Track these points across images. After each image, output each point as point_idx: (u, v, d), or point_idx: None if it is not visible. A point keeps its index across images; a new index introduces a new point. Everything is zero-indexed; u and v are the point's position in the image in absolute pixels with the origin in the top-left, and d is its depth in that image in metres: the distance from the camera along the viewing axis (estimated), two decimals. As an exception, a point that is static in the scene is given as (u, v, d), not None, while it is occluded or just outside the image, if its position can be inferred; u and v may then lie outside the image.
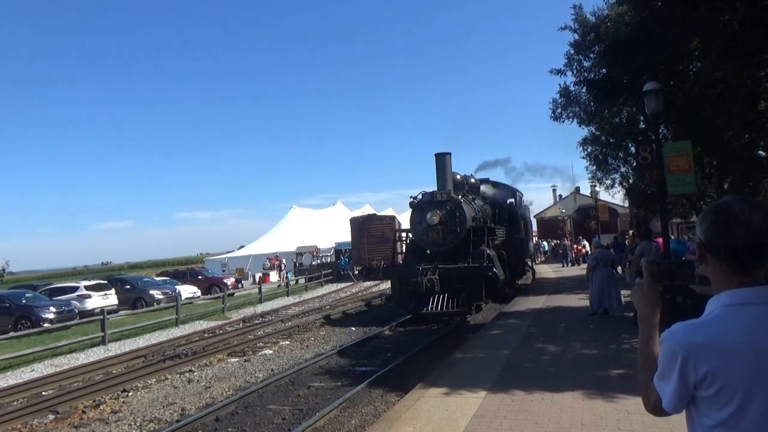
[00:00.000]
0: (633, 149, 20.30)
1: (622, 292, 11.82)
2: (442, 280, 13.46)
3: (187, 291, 26.08)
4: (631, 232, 15.70)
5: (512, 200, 20.42)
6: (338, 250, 39.40)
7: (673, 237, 14.27)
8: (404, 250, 16.50)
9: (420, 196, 14.87)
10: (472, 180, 18.07)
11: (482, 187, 18.83)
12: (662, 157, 9.96)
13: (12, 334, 15.69)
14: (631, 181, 23.18)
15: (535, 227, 46.41)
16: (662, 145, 10.33)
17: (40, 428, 7.78)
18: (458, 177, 16.28)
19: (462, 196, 15.27)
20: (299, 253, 42.69)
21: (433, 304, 13.59)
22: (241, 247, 54.70)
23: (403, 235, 16.95)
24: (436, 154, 15.41)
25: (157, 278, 30.28)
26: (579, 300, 14.46)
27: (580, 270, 26.42)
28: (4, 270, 15.55)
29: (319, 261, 40.48)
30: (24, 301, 19.96)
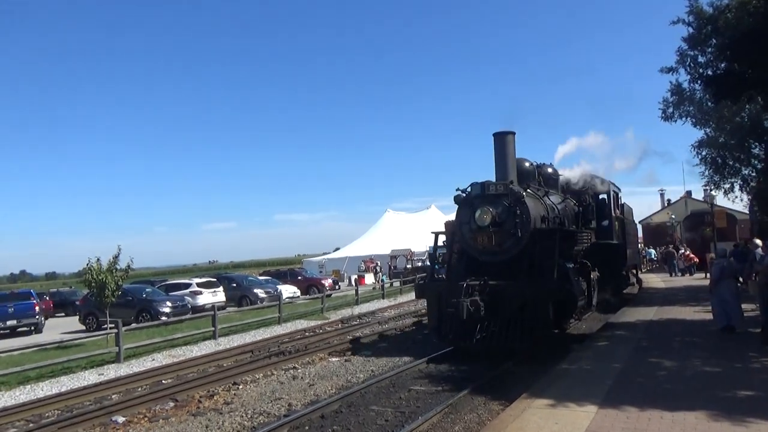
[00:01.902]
0: (758, 150, 18.67)
1: (744, 306, 10.85)
2: (492, 302, 10.12)
3: (287, 290, 27.19)
4: (757, 241, 14.10)
5: (604, 197, 15.95)
6: (432, 254, 39.37)
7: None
8: (449, 260, 12.61)
9: (470, 189, 11.38)
10: (549, 170, 14.28)
11: (563, 179, 14.88)
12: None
13: (134, 325, 17.11)
14: (753, 184, 21.27)
15: (641, 233, 43.82)
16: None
17: (162, 414, 8.40)
18: (527, 165, 12.96)
19: (528, 189, 11.89)
20: (393, 256, 43.14)
21: (478, 334, 10.17)
22: (337, 249, 56.21)
23: (441, 239, 13.02)
24: (495, 134, 11.80)
25: (260, 277, 31.84)
26: (694, 313, 13.44)
27: (692, 280, 24.62)
28: (129, 267, 16.97)
29: (413, 264, 40.69)
30: (144, 296, 21.74)
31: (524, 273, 10.62)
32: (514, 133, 11.89)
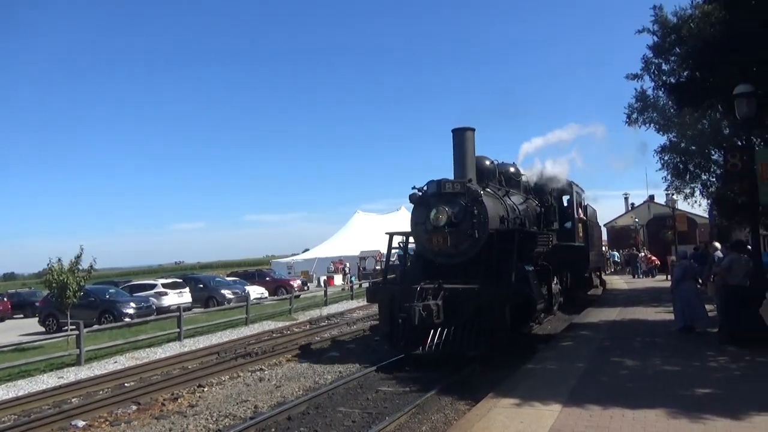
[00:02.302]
0: (717, 157, 19.25)
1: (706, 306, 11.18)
2: (447, 307, 9.62)
3: (255, 291, 26.91)
4: (716, 244, 14.51)
5: (568, 198, 15.76)
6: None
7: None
8: (403, 262, 12.42)
9: (426, 188, 10.88)
10: (512, 169, 13.86)
11: (526, 179, 14.46)
12: (754, 164, 9.37)
13: (96, 327, 16.67)
14: (712, 189, 21.95)
15: (605, 236, 44.78)
16: (754, 152, 9.72)
17: (124, 418, 8.19)
18: (487, 163, 12.44)
19: (486, 188, 11.38)
20: (363, 258, 43.10)
21: (432, 341, 9.63)
22: (306, 250, 55.86)
23: (396, 240, 12.32)
24: (453, 130, 11.30)
25: (228, 278, 31.41)
26: (656, 313, 13.80)
27: (654, 282, 25.29)
28: (92, 267, 16.55)
29: (382, 266, 40.72)
30: (107, 296, 21.21)
31: (481, 276, 10.08)
32: (473, 130, 11.37)
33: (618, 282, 27.16)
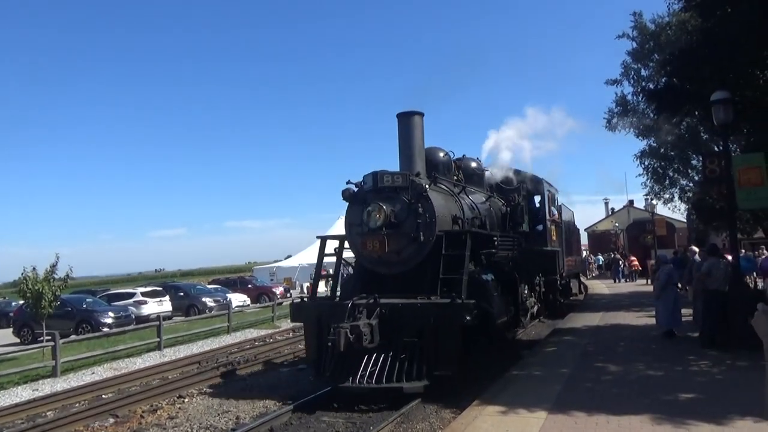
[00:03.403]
0: (696, 162, 19.56)
1: (683, 311, 11.29)
2: (384, 328, 7.82)
3: (237, 299, 26.62)
4: (694, 248, 14.66)
5: (539, 197, 14.27)
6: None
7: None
8: (336, 272, 10.50)
9: (363, 182, 9.19)
10: (473, 164, 12.26)
11: (491, 175, 12.83)
12: (731, 170, 9.50)
13: (73, 337, 16.31)
14: (690, 194, 22.28)
15: (586, 240, 45.17)
16: (731, 158, 9.86)
17: (101, 431, 7.98)
18: (441, 155, 10.73)
19: (434, 183, 9.72)
20: (347, 264, 42.88)
21: (365, 369, 7.69)
22: (289, 256, 55.40)
23: (333, 245, 10.28)
24: (398, 115, 9.75)
25: (209, 286, 31.05)
26: (637, 318, 13.92)
27: (635, 287, 25.55)
28: (68, 276, 16.20)
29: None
30: (84, 306, 20.80)
31: (428, 288, 8.38)
32: (421, 114, 9.76)
33: (600, 286, 27.38)
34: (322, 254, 10.18)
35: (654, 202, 24.75)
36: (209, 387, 10.19)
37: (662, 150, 21.35)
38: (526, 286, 11.89)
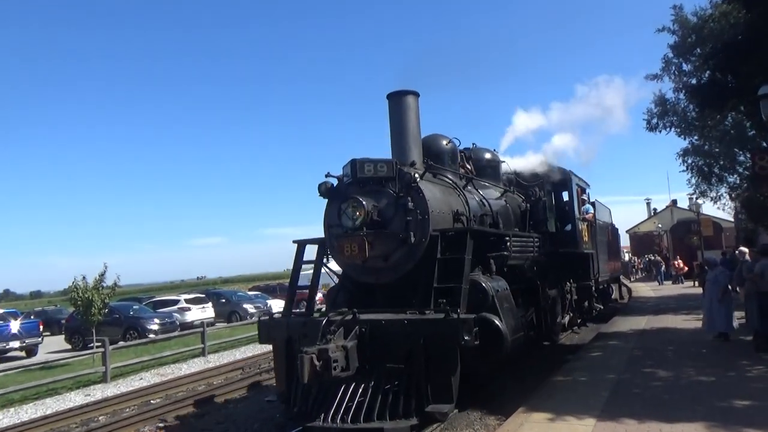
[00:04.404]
0: (744, 158, 18.91)
1: (735, 313, 10.87)
2: (365, 351, 6.34)
3: (277, 305, 26.93)
4: (744, 248, 14.05)
5: (566, 192, 12.43)
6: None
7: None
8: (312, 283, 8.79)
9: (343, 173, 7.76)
10: (487, 155, 10.58)
11: (508, 169, 11.19)
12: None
13: (122, 343, 16.82)
14: (739, 191, 21.52)
15: (627, 242, 44.08)
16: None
17: (151, 436, 8.21)
18: (445, 143, 9.04)
19: (444, 176, 8.48)
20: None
21: (341, 404, 6.19)
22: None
23: (311, 251, 8.55)
24: (389, 96, 8.21)
25: (249, 293, 31.59)
26: (685, 321, 13.48)
27: (681, 289, 24.78)
28: (116, 284, 16.73)
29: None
30: (131, 313, 21.45)
31: (420, 299, 6.81)
32: (416, 94, 8.24)
33: (644, 289, 26.68)
34: (298, 262, 8.51)
35: (700, 201, 24.01)
36: (254, 393, 10.34)
37: (706, 147, 20.69)
38: (553, 295, 10.46)
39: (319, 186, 7.66)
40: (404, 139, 8.05)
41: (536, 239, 9.47)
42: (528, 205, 10.57)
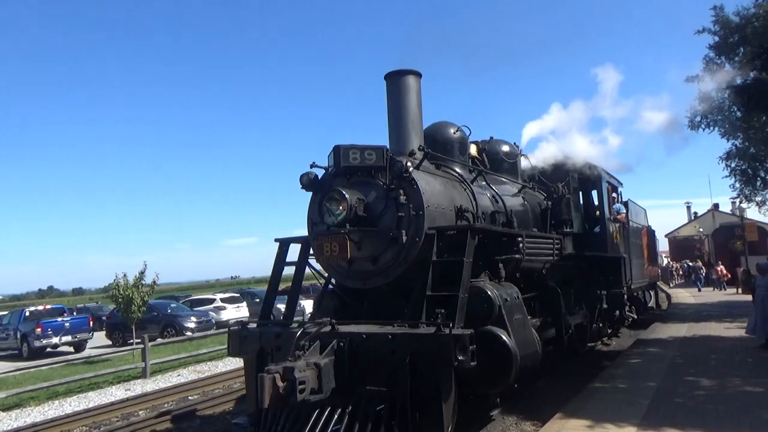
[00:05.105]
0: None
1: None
2: (343, 369, 5.35)
3: (309, 305, 27.19)
4: None
5: (596, 191, 11.49)
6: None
7: None
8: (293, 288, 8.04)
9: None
10: (505, 147, 9.46)
11: (528, 164, 10.35)
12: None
13: (160, 340, 17.24)
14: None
15: (666, 247, 42.93)
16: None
17: None
18: (452, 132, 7.99)
19: (452, 168, 7.58)
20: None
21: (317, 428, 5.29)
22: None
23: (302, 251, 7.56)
24: (387, 77, 7.18)
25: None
26: (728, 329, 13.06)
27: (723, 296, 24.00)
28: (155, 282, 17.17)
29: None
30: (169, 311, 21.98)
31: (411, 309, 5.76)
32: (418, 75, 7.24)
33: (683, 295, 25.96)
34: (279, 262, 7.56)
35: (744, 205, 23.22)
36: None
37: (752, 150, 20.01)
38: (578, 303, 9.53)
39: (301, 177, 6.70)
40: (403, 125, 7.06)
41: (557, 241, 8.42)
42: (549, 203, 9.55)
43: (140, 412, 9.83)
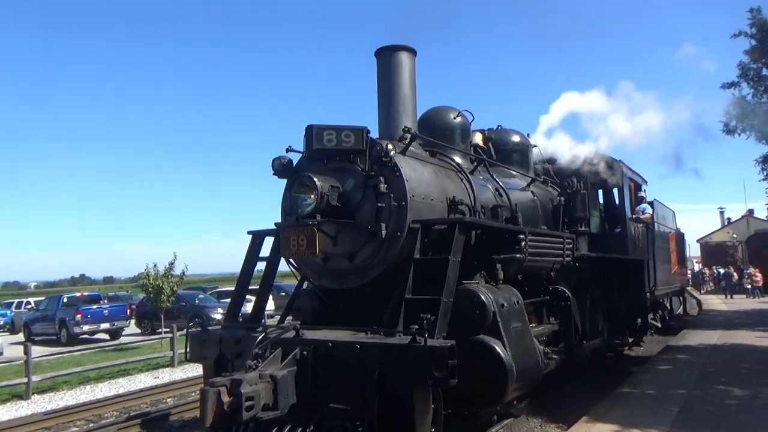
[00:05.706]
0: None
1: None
2: (304, 383, 4.61)
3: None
4: None
5: (617, 190, 10.60)
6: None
7: None
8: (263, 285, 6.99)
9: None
10: (515, 137, 8.69)
11: (540, 156, 9.36)
12: None
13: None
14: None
15: (697, 252, 42.01)
16: None
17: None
18: (453, 117, 7.20)
19: (450, 157, 6.85)
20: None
21: None
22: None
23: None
24: (377, 53, 6.44)
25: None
26: (759, 339, 12.74)
27: (757, 303, 23.38)
28: (183, 273, 17.48)
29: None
30: (197, 302, 22.34)
31: (390, 314, 5.02)
32: (413, 52, 6.49)
33: (714, 302, 25.38)
34: (251, 256, 6.69)
35: (780, 211, 22.57)
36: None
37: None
38: (594, 310, 8.73)
39: (273, 162, 5.91)
40: (393, 107, 6.31)
41: (568, 240, 7.40)
42: (562, 198, 8.66)
43: (168, 400, 10.05)
